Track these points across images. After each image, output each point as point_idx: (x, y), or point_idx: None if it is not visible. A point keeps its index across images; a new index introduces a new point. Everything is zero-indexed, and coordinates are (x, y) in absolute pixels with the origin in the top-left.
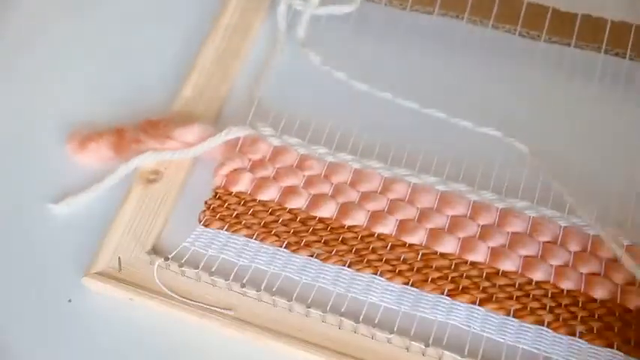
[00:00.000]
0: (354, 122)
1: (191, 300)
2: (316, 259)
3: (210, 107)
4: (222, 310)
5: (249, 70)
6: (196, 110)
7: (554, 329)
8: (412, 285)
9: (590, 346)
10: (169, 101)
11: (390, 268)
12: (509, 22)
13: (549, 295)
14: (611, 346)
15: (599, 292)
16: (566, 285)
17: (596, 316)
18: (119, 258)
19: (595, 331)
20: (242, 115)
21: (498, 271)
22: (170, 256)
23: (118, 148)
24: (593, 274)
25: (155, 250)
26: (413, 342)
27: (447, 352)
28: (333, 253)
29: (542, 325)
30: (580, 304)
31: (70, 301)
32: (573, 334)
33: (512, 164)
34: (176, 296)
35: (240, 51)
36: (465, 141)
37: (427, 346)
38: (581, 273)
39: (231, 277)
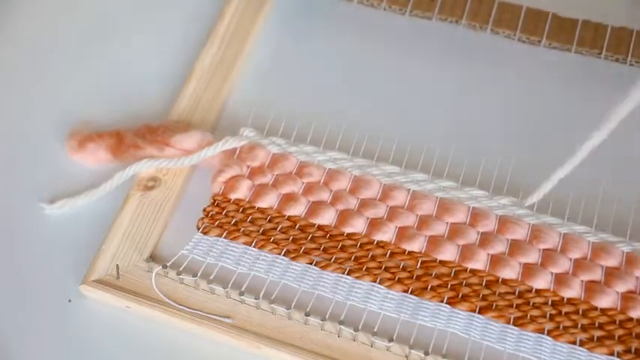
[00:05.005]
0: (354, 129)
1: (189, 308)
2: (315, 267)
3: (209, 113)
4: (221, 318)
5: (247, 76)
6: (195, 116)
7: (555, 337)
8: (412, 293)
9: (590, 354)
10: (169, 105)
11: (389, 275)
12: (509, 28)
13: (550, 303)
14: (612, 354)
15: (600, 300)
16: (567, 293)
17: (597, 325)
18: (117, 266)
19: (596, 340)
20: (240, 121)
21: (498, 278)
22: (168, 264)
23: (117, 151)
24: (594, 282)
25: (153, 258)
26: (412, 350)
27: None
28: (332, 260)
29: (543, 333)
30: (581, 312)
31: (70, 301)
32: (574, 343)
33: (511, 170)
34: (174, 304)
35: (237, 58)
36: (465, 146)
37: (427, 354)
38: (582, 281)
39: (229, 285)
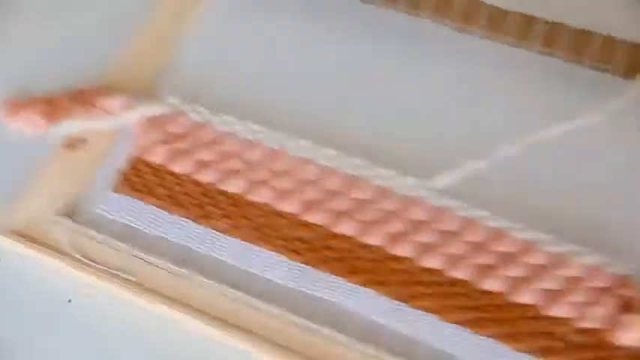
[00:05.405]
0: (281, 103)
1: (95, 263)
2: (220, 233)
3: (142, 80)
4: (125, 275)
5: (185, 46)
6: (129, 82)
7: (444, 317)
8: (307, 263)
9: (472, 334)
10: (104, 70)
11: (293, 247)
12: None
13: (440, 282)
14: (490, 336)
15: (488, 284)
16: (457, 274)
17: (481, 307)
18: (30, 218)
19: (479, 321)
20: (173, 89)
21: (392, 255)
22: (80, 220)
23: (50, 116)
24: (485, 265)
25: (67, 213)
26: (297, 318)
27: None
28: (237, 227)
29: (429, 312)
30: (468, 294)
31: (69, 301)
32: (459, 323)
33: (426, 152)
34: (82, 259)
35: (177, 28)
36: (379, 124)
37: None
38: (474, 263)
39: (136, 244)
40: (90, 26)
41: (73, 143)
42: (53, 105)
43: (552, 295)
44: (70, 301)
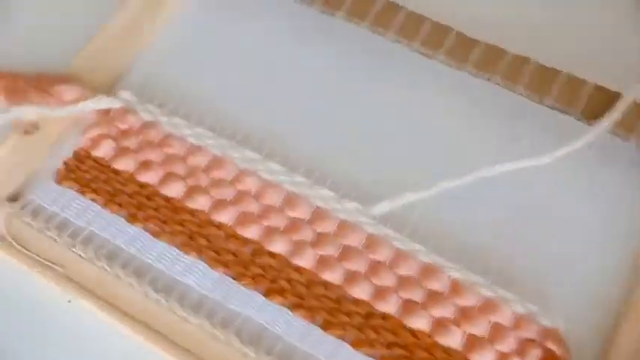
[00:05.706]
0: (235, 110)
1: (27, 250)
2: (148, 233)
3: (106, 76)
4: (53, 265)
5: (157, 44)
6: (93, 74)
7: (355, 346)
8: (230, 275)
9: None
10: (70, 64)
11: (215, 256)
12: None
13: (364, 313)
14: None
15: (412, 321)
16: (382, 307)
17: (403, 344)
18: None
19: (397, 358)
20: (130, 86)
21: (321, 280)
22: (20, 207)
23: (10, 94)
24: (412, 301)
25: (11, 199)
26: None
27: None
28: (168, 231)
29: (344, 340)
30: (390, 328)
31: (69, 301)
32: (373, 356)
33: (373, 178)
34: (14, 244)
35: (149, 27)
36: (331, 145)
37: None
38: (401, 298)
39: (70, 237)
40: (58, 16)
41: (26, 128)
42: (15, 83)
43: (478, 341)
44: (69, 301)
